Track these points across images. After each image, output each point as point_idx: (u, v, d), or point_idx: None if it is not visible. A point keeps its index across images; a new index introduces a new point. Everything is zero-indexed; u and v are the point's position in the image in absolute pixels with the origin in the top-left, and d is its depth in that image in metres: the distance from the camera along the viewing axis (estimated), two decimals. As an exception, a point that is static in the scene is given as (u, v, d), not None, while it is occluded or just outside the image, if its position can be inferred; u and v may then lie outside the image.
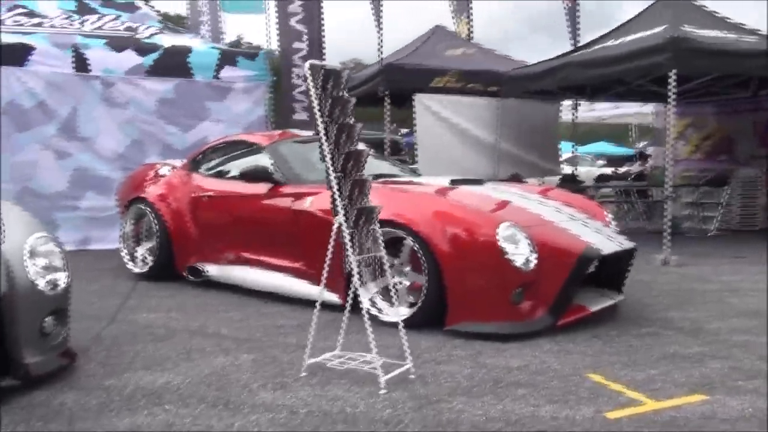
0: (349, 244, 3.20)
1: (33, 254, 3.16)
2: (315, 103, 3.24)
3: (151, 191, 5.81)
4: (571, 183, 10.09)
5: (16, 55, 7.42)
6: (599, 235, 4.51)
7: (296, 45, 8.64)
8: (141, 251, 5.89)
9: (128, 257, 5.94)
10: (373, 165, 5.83)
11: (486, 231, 4.01)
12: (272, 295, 4.96)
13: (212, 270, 5.45)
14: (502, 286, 3.99)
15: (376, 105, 10.69)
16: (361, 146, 3.40)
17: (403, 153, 14.84)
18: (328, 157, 3.22)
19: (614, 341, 3.96)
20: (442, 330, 4.05)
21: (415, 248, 4.14)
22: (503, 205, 4.55)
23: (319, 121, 3.24)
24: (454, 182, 5.02)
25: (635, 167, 14.34)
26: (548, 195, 5.16)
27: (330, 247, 3.28)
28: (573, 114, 11.38)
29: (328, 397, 3.00)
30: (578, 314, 4.24)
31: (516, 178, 9.77)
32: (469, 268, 4.01)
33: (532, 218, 4.43)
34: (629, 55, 7.43)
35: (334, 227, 3.24)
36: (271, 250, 5.06)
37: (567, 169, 12.45)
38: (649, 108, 13.58)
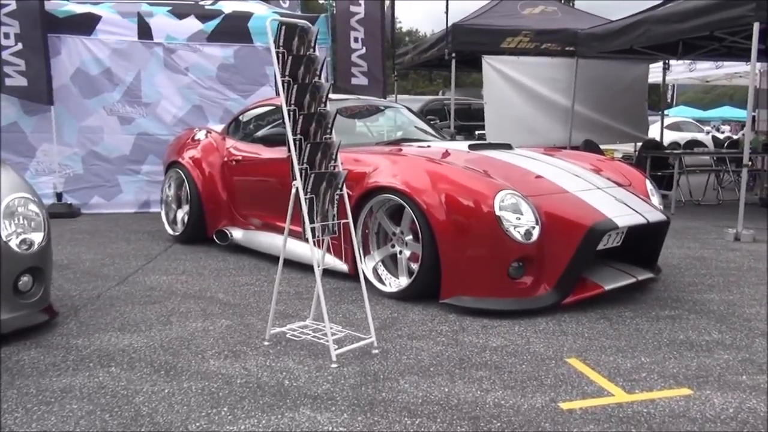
0: (305, 211, 3.05)
1: (9, 214, 3.25)
2: (274, 61, 3.09)
3: (186, 156, 5.91)
4: (652, 150, 9.30)
5: (84, 24, 7.74)
6: (623, 206, 4.08)
7: (353, 8, 8.43)
8: (181, 214, 6.02)
9: (168, 220, 6.10)
10: (397, 128, 5.70)
11: (482, 199, 3.71)
12: (297, 263, 4.87)
13: (237, 234, 5.48)
14: (499, 258, 3.70)
15: (447, 69, 10.34)
16: (327, 108, 3.21)
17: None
18: (286, 118, 3.07)
19: (623, 323, 3.58)
20: (439, 303, 3.83)
21: (412, 216, 3.93)
22: (515, 171, 4.20)
23: (279, 80, 3.09)
24: (473, 147, 4.71)
25: (741, 133, 13.03)
26: (588, 162, 4.74)
27: (289, 211, 3.16)
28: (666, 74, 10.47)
29: (274, 369, 2.90)
30: (590, 292, 3.88)
31: (590, 145, 9.16)
32: (463, 238, 3.74)
33: (545, 187, 4.07)
34: (709, 8, 6.65)
35: (292, 192, 3.10)
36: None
37: (666, 136, 11.51)
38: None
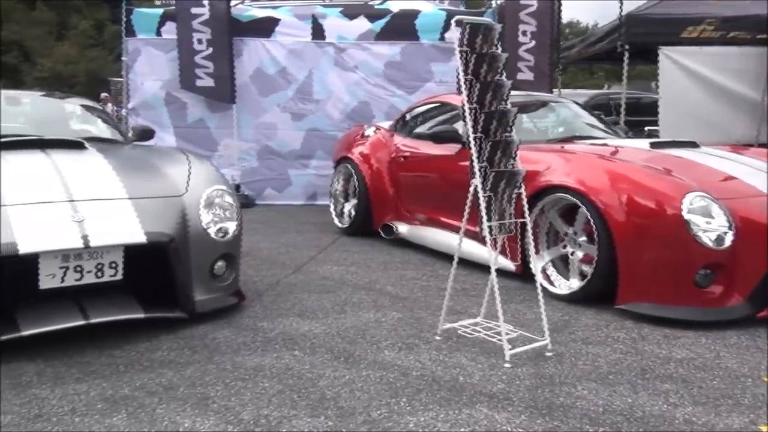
0: (483, 209, 3.04)
1: (208, 205, 3.56)
2: (458, 59, 3.11)
3: (356, 151, 6.12)
4: None
5: (264, 27, 8.28)
6: (833, 212, 3.65)
7: (524, 1, 8.27)
8: (348, 208, 6.25)
9: (336, 213, 6.36)
10: (570, 125, 5.51)
11: (668, 200, 3.50)
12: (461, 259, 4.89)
13: (402, 229, 5.59)
14: (685, 264, 3.47)
15: (613, 61, 9.84)
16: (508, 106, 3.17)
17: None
18: (467, 116, 3.07)
19: (831, 343, 3.21)
20: (614, 308, 3.67)
21: (588, 217, 3.79)
22: (703, 171, 3.91)
23: (462, 78, 3.10)
24: (655, 145, 4.45)
25: None
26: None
27: (466, 210, 3.16)
28: None
29: (447, 364, 2.93)
30: (791, 306, 3.52)
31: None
32: (645, 241, 3.55)
33: (739, 189, 3.76)
34: None
35: (470, 190, 3.10)
36: (455, 212, 5.00)
37: None
38: None
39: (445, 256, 5.02)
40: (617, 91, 13.82)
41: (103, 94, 17.55)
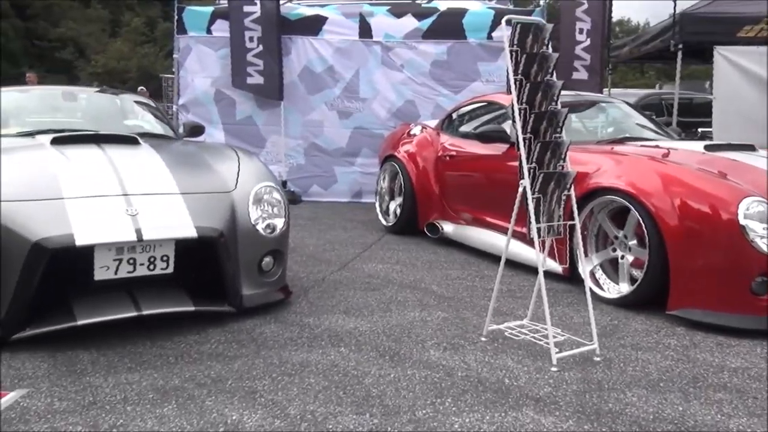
0: (532, 211, 3.01)
1: (257, 201, 3.61)
2: (507, 59, 3.08)
3: (402, 150, 6.12)
4: None
5: (312, 26, 8.34)
6: None
7: (578, -2, 8.15)
8: (393, 206, 6.26)
9: (381, 211, 6.38)
10: (621, 126, 5.40)
11: (723, 205, 3.41)
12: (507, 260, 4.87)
13: (448, 228, 5.57)
14: (741, 271, 3.38)
15: (664, 60, 9.61)
16: (558, 106, 3.13)
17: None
18: (517, 117, 3.04)
19: None
20: (665, 314, 3.59)
21: (639, 220, 3.71)
22: (760, 176, 3.77)
23: (512, 78, 3.07)
24: (709, 147, 4.33)
25: None
26: None
27: (514, 211, 3.13)
28: None
29: (493, 366, 2.91)
30: None
31: None
32: (698, 246, 3.46)
33: (801, 194, 3.62)
34: None
35: (519, 191, 3.07)
36: (501, 212, 4.97)
37: None
38: None
39: (490, 256, 4.99)
40: (669, 91, 13.50)
41: (140, 88, 18.15)
